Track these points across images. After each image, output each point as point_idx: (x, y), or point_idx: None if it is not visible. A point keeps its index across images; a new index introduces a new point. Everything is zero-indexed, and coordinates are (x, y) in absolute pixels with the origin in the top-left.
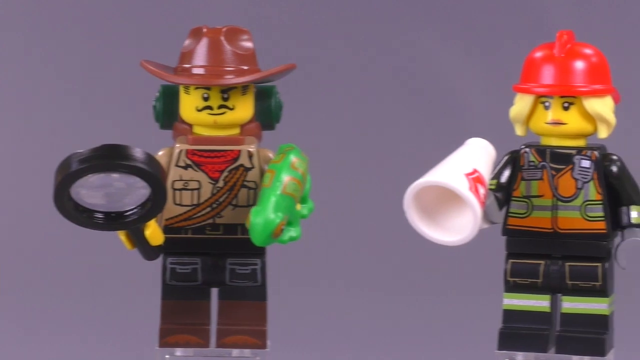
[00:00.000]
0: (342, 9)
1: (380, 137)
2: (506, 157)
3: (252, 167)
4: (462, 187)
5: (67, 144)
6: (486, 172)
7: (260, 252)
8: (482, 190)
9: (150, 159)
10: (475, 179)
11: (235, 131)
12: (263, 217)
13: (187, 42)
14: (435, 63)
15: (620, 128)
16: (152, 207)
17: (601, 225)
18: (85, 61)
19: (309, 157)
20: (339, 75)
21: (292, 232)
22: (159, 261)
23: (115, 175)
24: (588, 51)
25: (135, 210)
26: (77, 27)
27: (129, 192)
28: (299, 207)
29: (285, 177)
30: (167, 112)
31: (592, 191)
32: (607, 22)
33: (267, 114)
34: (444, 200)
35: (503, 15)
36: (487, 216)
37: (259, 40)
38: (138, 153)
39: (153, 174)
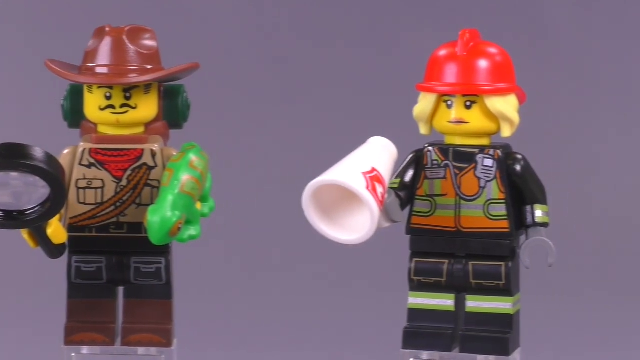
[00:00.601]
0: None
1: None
2: (410, 156)
3: (156, 166)
4: (359, 185)
5: None
6: (386, 171)
7: (164, 250)
8: (380, 189)
9: (50, 158)
10: (373, 177)
11: (139, 130)
12: (160, 215)
13: (90, 41)
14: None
15: (545, 126)
16: (51, 206)
17: (504, 224)
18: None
19: (224, 157)
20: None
21: (192, 231)
22: (65, 260)
23: (14, 174)
24: (491, 50)
25: (35, 209)
26: None
27: (29, 191)
28: (199, 205)
29: (183, 176)
30: (74, 111)
31: (495, 190)
32: (607, 22)
33: (174, 113)
34: (343, 198)
35: (503, 15)
36: (388, 215)
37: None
38: (37, 152)
39: (52, 173)
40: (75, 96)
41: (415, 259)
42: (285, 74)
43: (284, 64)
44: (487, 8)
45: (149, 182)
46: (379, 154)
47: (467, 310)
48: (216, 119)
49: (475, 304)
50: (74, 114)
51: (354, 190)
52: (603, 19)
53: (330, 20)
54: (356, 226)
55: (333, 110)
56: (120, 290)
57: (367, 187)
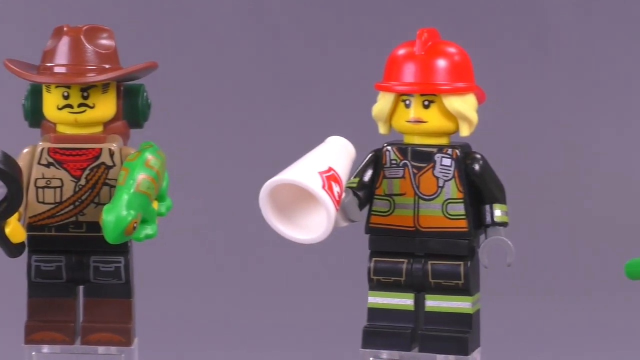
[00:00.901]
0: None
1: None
2: (369, 156)
3: (114, 165)
4: (315, 185)
5: None
6: (343, 171)
7: (124, 250)
8: (336, 189)
9: (6, 158)
10: (329, 177)
11: (98, 129)
12: (115, 214)
13: (49, 41)
14: None
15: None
16: (8, 205)
17: (462, 224)
18: None
19: (193, 156)
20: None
21: (149, 230)
22: (25, 259)
23: None
24: (450, 49)
25: None
26: None
27: None
28: (155, 205)
29: (139, 175)
30: (35, 110)
31: (453, 189)
32: (607, 22)
33: (134, 113)
34: (300, 198)
35: (503, 15)
36: (345, 214)
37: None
38: None
39: (9, 172)
40: (35, 96)
41: (374, 259)
42: (250, 73)
43: (248, 63)
44: (487, 8)
45: (107, 181)
46: (336, 153)
47: (427, 309)
48: (183, 118)
49: (435, 303)
50: (34, 114)
51: (309, 189)
52: (603, 19)
53: (296, 20)
54: (313, 225)
55: (295, 108)
56: (81, 289)
57: (323, 187)
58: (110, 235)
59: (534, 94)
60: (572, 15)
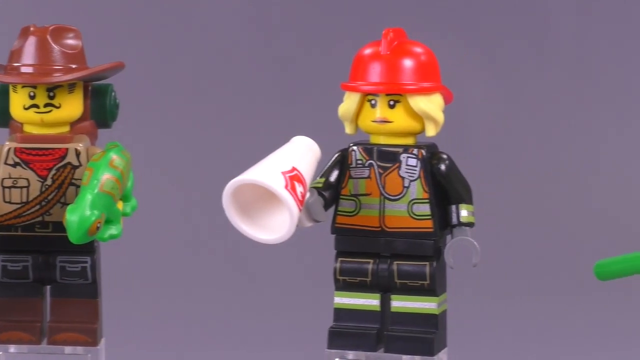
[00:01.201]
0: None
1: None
2: (335, 156)
3: (80, 165)
4: (278, 185)
5: None
6: (307, 171)
7: (90, 250)
8: (300, 189)
9: None
10: (293, 177)
11: (65, 129)
12: (78, 214)
13: (16, 41)
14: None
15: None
16: None
17: (428, 224)
18: None
19: (156, 156)
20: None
21: (113, 230)
22: None
23: None
24: (416, 49)
25: None
26: None
27: None
28: (120, 205)
29: (103, 175)
30: (2, 110)
31: (419, 189)
32: (607, 22)
33: (102, 113)
34: (263, 198)
35: (503, 15)
36: (310, 214)
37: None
38: None
39: None
40: (3, 96)
41: (340, 259)
42: (219, 72)
43: (219, 63)
44: (487, 8)
45: (73, 181)
46: (301, 153)
47: (393, 310)
48: (150, 119)
49: (400, 303)
50: (2, 114)
51: (272, 189)
52: (603, 19)
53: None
54: (277, 225)
55: (263, 108)
56: (48, 289)
57: (286, 187)
58: (74, 235)
59: (533, 94)
60: (572, 15)
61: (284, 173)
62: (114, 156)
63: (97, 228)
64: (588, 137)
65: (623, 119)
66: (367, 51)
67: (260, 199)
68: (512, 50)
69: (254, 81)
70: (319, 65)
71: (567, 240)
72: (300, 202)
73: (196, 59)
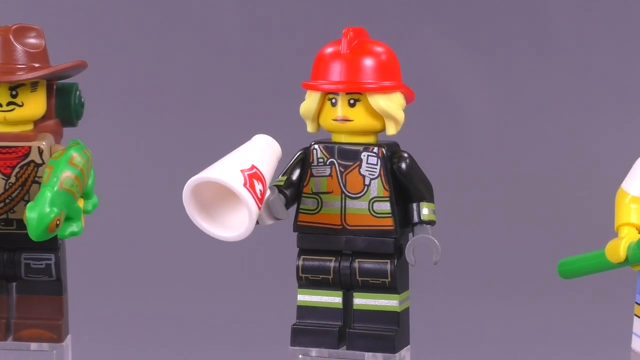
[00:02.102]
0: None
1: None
2: (298, 154)
3: (43, 163)
4: (236, 183)
5: None
6: (267, 169)
7: (54, 247)
8: (259, 187)
9: None
10: (252, 175)
11: (28, 127)
12: (37, 211)
13: None
14: (434, 64)
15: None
16: None
17: (388, 222)
18: None
19: (120, 154)
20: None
21: (74, 227)
22: None
23: None
24: (376, 48)
25: None
26: None
27: None
28: (81, 202)
29: (63, 173)
30: None
31: (379, 187)
32: (607, 22)
33: (66, 111)
34: (223, 196)
35: (503, 15)
36: (271, 212)
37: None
38: None
39: None
40: None
41: (302, 257)
42: (185, 72)
43: (185, 63)
44: (488, 9)
45: (36, 179)
46: (261, 152)
47: (355, 307)
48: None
49: (362, 301)
50: None
51: (230, 187)
52: (603, 19)
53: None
54: (236, 223)
55: (226, 106)
56: (14, 285)
57: (245, 184)
58: (34, 232)
59: (534, 94)
60: (572, 15)
61: (243, 171)
62: (74, 154)
63: (57, 225)
64: (588, 137)
65: (623, 119)
66: (328, 50)
67: (220, 197)
68: (512, 51)
69: (215, 80)
70: (287, 64)
71: (567, 240)
72: (260, 200)
73: (165, 60)
